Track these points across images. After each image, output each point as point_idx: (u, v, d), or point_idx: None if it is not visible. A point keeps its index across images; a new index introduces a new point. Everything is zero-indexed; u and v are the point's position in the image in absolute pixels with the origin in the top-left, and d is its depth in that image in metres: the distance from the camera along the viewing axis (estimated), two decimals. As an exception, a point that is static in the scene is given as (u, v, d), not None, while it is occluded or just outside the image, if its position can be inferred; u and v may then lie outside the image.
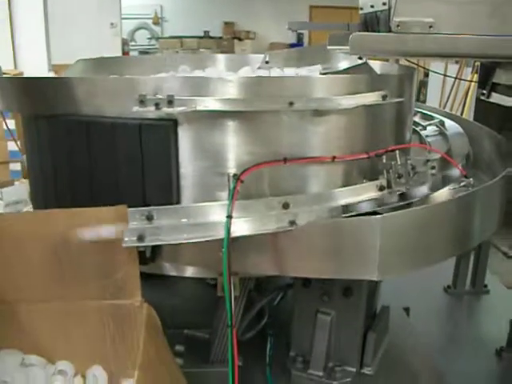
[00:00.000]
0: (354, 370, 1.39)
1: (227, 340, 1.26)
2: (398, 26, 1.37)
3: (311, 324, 1.37)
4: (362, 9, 1.63)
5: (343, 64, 1.84)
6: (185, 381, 1.18)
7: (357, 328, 1.38)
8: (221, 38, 12.62)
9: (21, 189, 3.30)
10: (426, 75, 8.02)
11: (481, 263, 2.05)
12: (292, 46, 11.27)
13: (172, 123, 1.09)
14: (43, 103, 1.21)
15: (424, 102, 7.18)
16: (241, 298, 1.26)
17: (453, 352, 1.70)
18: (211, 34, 12.64)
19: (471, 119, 2.16)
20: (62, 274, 1.13)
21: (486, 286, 2.09)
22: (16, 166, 4.75)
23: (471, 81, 4.81)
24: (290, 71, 1.82)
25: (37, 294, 1.16)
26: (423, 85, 8.11)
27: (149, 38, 12.69)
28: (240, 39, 12.57)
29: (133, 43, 12.00)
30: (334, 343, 1.38)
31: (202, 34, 12.54)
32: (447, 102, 6.76)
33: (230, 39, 12.49)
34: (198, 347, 1.39)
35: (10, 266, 1.13)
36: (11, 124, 4.60)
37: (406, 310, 1.75)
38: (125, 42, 9.68)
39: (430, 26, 1.35)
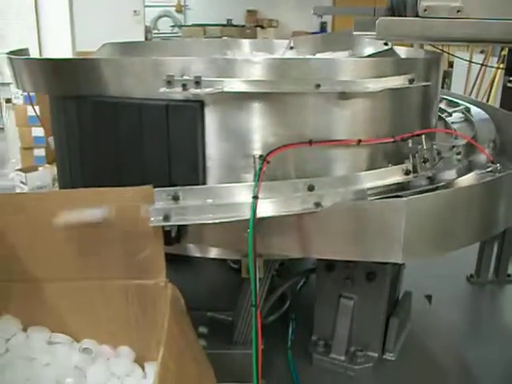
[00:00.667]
0: (376, 355, 1.40)
1: (250, 321, 1.27)
2: (425, 10, 1.36)
3: (334, 308, 1.37)
4: (388, -7, 1.62)
5: (369, 50, 1.83)
6: (208, 361, 1.19)
7: (379, 313, 1.38)
8: (243, 26, 12.57)
9: (45, 174, 3.35)
10: (451, 65, 7.92)
11: (504, 252, 2.03)
12: (315, 34, 11.19)
13: (199, 104, 1.10)
14: (71, 84, 1.21)
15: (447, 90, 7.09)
16: (264, 281, 1.27)
17: (474, 340, 1.70)
18: (234, 22, 12.59)
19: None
20: (87, 253, 1.15)
21: (509, 275, 2.07)
22: (40, 152, 4.79)
23: (498, 67, 4.74)
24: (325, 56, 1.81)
25: (63, 272, 1.17)
26: (447, 75, 8.01)
27: (172, 26, 12.67)
28: (263, 27, 12.50)
29: (156, 31, 12.00)
30: (356, 328, 1.38)
31: (224, 22, 12.50)
32: (471, 92, 6.68)
33: (252, 27, 12.42)
34: (221, 329, 1.40)
35: (38, 245, 1.15)
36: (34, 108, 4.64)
37: (428, 297, 1.75)
38: (148, 30, 9.67)
39: (458, 11, 1.34)
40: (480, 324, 1.83)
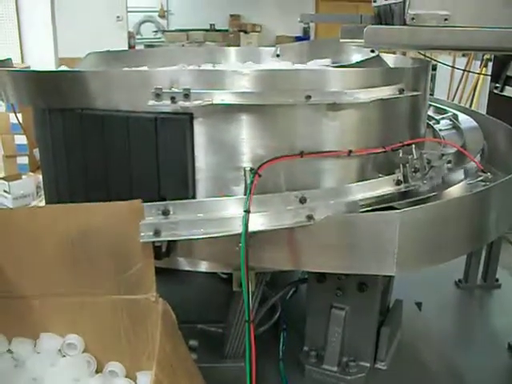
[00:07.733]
0: (368, 364, 1.39)
1: (242, 335, 1.26)
2: (412, 18, 1.35)
3: (325, 319, 1.36)
4: (375, 1, 1.61)
5: (355, 57, 1.83)
6: (201, 377, 1.18)
7: (371, 323, 1.37)
8: (227, 30, 12.56)
9: (28, 182, 3.32)
10: (434, 69, 7.97)
11: (492, 257, 2.03)
12: (298, 38, 11.22)
13: (188, 117, 1.08)
14: (57, 96, 1.19)
15: (431, 96, 7.12)
16: (256, 293, 1.26)
17: (464, 346, 1.69)
18: (217, 27, 12.58)
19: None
20: (77, 268, 1.13)
21: (497, 280, 2.08)
22: (23, 160, 4.75)
23: (480, 73, 4.78)
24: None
25: (52, 288, 1.16)
26: (430, 78, 8.06)
27: (155, 31, 12.63)
28: (246, 32, 12.49)
29: (139, 36, 11.97)
30: (348, 338, 1.37)
31: (207, 27, 12.48)
32: (455, 96, 6.72)
33: (236, 32, 12.40)
34: (212, 342, 1.39)
35: (26, 261, 1.14)
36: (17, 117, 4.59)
37: (418, 304, 1.75)
38: (131, 35, 9.66)
39: (446, 19, 1.34)
40: (469, 329, 1.83)
